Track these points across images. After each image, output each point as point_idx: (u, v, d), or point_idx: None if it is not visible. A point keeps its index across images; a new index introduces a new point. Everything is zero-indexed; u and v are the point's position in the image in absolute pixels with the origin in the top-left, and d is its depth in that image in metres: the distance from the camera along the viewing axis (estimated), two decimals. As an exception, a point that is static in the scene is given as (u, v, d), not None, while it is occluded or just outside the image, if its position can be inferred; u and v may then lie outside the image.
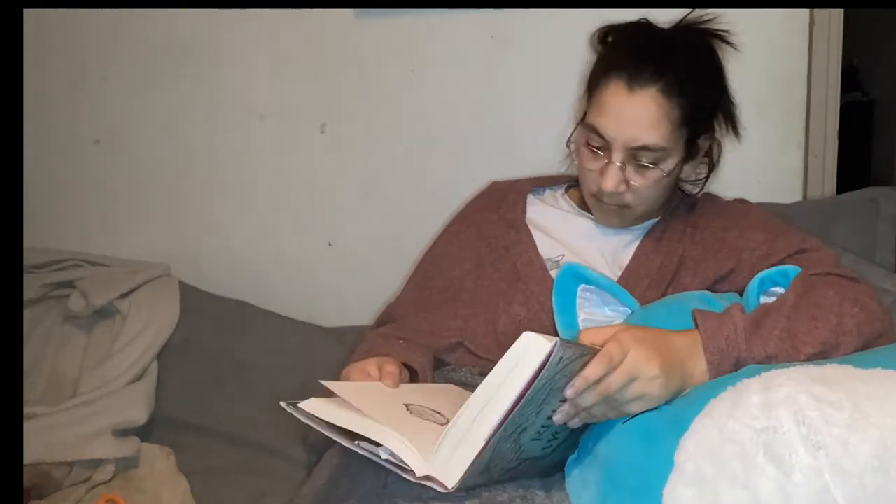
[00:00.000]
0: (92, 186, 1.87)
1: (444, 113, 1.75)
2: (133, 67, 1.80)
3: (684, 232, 1.26)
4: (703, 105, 1.18)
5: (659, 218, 1.28)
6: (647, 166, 1.16)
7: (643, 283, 1.21)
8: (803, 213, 1.55)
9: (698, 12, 1.25)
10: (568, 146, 1.23)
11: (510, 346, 1.19)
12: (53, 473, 1.42)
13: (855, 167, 2.42)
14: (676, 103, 1.13)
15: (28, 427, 1.41)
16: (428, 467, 0.82)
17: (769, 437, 0.76)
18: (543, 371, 0.79)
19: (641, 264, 1.23)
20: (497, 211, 1.34)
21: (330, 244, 1.85)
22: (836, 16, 1.65)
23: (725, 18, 1.26)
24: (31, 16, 1.63)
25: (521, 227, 1.30)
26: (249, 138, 1.81)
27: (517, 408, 0.80)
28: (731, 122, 1.27)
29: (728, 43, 1.25)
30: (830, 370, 0.84)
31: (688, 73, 1.15)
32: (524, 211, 1.33)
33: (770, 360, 0.94)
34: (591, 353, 0.87)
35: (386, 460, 0.85)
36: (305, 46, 1.75)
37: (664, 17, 1.26)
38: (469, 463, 0.81)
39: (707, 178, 1.31)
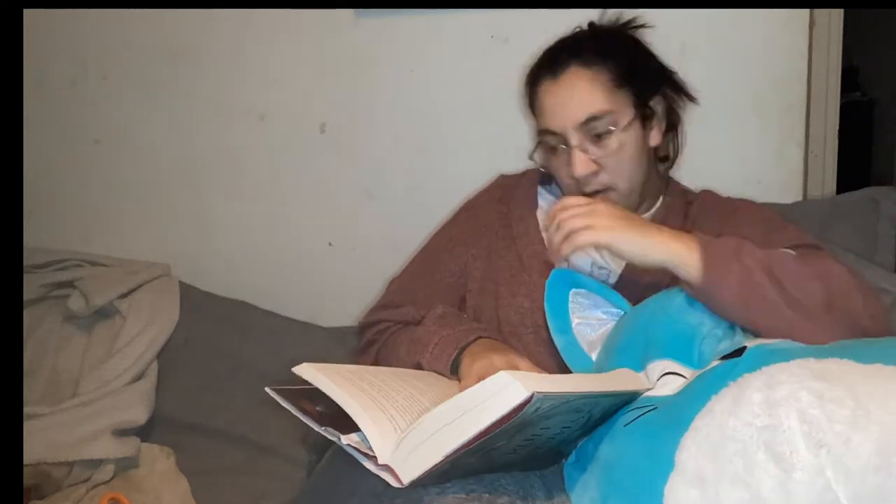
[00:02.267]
0: (92, 186, 1.87)
1: (444, 113, 1.75)
2: (133, 67, 1.80)
3: (682, 228, 1.26)
4: (633, 66, 1.21)
5: (655, 208, 1.29)
6: (604, 133, 1.18)
7: (643, 280, 1.21)
8: (803, 213, 1.55)
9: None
10: (532, 159, 1.28)
11: (514, 335, 1.20)
12: (53, 473, 1.42)
13: (855, 167, 2.41)
14: (601, 68, 1.19)
15: (28, 427, 1.41)
16: (390, 458, 0.83)
17: (770, 435, 0.76)
18: (515, 418, 0.76)
19: None
20: (507, 203, 1.35)
21: (330, 244, 1.85)
22: (836, 16, 1.65)
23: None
24: (31, 16, 1.63)
25: (529, 219, 1.31)
26: (249, 138, 1.81)
27: (482, 439, 0.78)
28: (682, 91, 1.30)
29: (640, 26, 1.30)
30: (831, 365, 0.83)
31: (604, 43, 1.22)
32: (535, 202, 1.34)
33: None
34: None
35: (347, 444, 0.86)
36: (305, 46, 1.75)
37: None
38: (425, 469, 0.81)
39: (677, 146, 1.33)
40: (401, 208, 1.80)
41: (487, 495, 0.87)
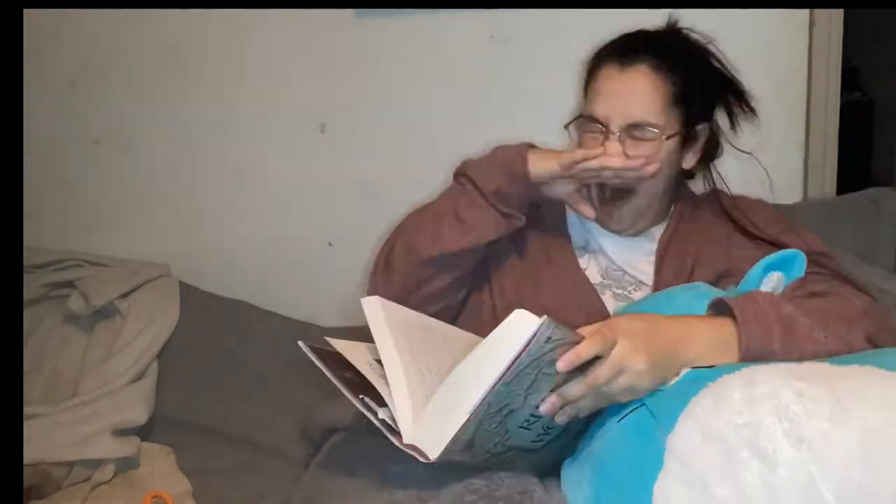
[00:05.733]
0: (92, 186, 1.87)
1: (444, 113, 1.75)
2: (133, 67, 1.80)
3: (696, 230, 1.26)
4: (697, 86, 1.20)
5: (667, 216, 1.28)
6: (645, 138, 1.16)
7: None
8: (803, 214, 1.55)
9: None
10: (566, 129, 1.24)
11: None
12: (53, 473, 1.42)
13: (855, 167, 2.41)
14: (668, 79, 1.16)
15: (28, 427, 1.41)
16: (414, 436, 0.83)
17: (752, 433, 0.77)
18: (529, 347, 0.79)
19: (667, 265, 1.22)
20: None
21: (330, 244, 1.85)
22: (836, 16, 1.65)
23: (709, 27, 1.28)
24: (31, 16, 1.63)
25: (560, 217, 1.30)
26: (249, 138, 1.81)
27: (501, 383, 0.80)
28: (743, 102, 1.27)
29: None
30: (809, 367, 0.85)
31: (678, 53, 1.19)
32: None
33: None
34: (581, 340, 0.87)
35: (381, 420, 0.86)
36: (305, 46, 1.75)
37: (661, 19, 1.27)
38: (451, 436, 0.81)
39: (709, 169, 1.30)
40: (401, 208, 1.79)
41: (486, 489, 0.87)
